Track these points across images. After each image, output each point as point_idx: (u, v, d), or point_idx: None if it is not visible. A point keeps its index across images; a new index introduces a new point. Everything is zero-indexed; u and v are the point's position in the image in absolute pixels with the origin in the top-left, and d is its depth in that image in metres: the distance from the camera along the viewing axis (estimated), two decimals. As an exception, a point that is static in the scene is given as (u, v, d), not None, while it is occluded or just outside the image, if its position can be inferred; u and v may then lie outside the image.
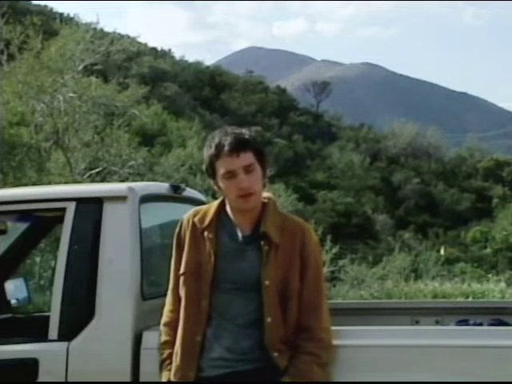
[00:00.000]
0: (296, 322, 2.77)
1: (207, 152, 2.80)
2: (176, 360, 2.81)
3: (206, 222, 2.85)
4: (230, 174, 2.74)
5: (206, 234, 2.84)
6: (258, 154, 2.79)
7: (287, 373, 2.72)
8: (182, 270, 2.85)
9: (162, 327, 2.92)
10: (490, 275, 22.35)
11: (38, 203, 3.43)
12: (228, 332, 2.76)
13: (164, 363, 2.86)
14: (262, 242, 2.78)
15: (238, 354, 2.74)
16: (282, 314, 2.75)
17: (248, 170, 2.75)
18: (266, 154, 2.89)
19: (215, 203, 2.91)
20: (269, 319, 2.73)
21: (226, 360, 2.74)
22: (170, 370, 2.83)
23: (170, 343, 2.86)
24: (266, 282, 2.74)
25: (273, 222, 2.82)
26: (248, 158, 2.75)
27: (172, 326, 2.87)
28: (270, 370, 2.72)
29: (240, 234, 2.83)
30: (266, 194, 2.92)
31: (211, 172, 2.81)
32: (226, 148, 2.73)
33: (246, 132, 2.82)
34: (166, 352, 2.86)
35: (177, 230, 2.93)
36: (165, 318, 2.92)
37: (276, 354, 2.72)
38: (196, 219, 2.88)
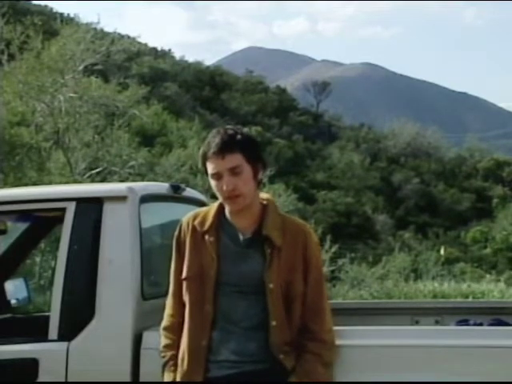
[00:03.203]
0: (300, 323, 2.77)
1: (200, 151, 2.81)
2: (183, 365, 2.79)
3: (207, 225, 2.84)
4: (217, 176, 2.74)
5: (207, 237, 2.82)
6: (247, 155, 2.75)
7: (294, 373, 2.72)
8: (184, 275, 2.84)
9: (162, 331, 2.91)
10: (488, 275, 22.31)
11: (38, 203, 3.43)
12: (234, 335, 2.75)
13: (167, 365, 2.85)
14: (265, 246, 2.77)
15: (244, 356, 2.74)
16: (287, 317, 2.75)
17: (234, 172, 2.72)
18: (258, 153, 2.82)
19: (214, 205, 2.90)
20: (274, 322, 2.72)
21: (233, 362, 2.74)
22: (173, 371, 2.82)
23: (172, 346, 2.85)
24: (271, 285, 2.73)
25: (274, 224, 2.80)
26: (234, 159, 2.72)
27: (172, 329, 2.87)
28: (277, 371, 2.73)
29: (241, 237, 2.81)
30: (265, 196, 2.91)
31: (204, 171, 2.81)
32: (211, 150, 2.73)
33: (238, 131, 2.78)
34: (169, 354, 2.85)
35: (176, 233, 2.91)
36: (165, 322, 2.91)
37: (282, 356, 2.73)
38: (196, 223, 2.86)
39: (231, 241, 2.82)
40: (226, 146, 2.71)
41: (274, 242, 2.76)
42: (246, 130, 2.87)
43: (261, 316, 2.74)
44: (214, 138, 2.75)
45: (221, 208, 2.86)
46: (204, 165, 2.79)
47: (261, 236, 2.78)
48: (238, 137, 2.75)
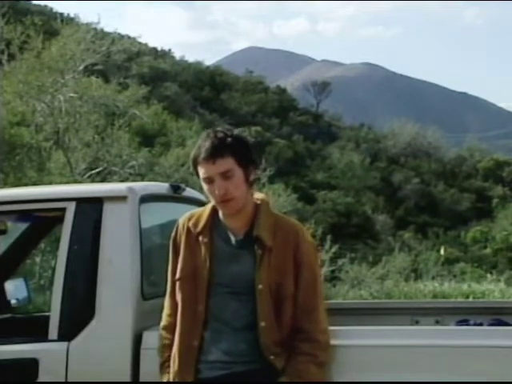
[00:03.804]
0: (291, 324, 2.76)
1: (191, 155, 2.80)
2: (174, 366, 2.81)
3: (200, 226, 2.85)
4: (208, 180, 2.74)
5: (200, 238, 2.84)
6: (238, 158, 2.74)
7: (285, 373, 2.72)
8: (177, 276, 2.86)
9: (160, 331, 2.93)
10: (488, 275, 22.31)
11: (38, 203, 3.43)
12: (225, 335, 2.76)
13: (164, 366, 2.87)
14: (256, 246, 2.77)
15: (235, 356, 2.74)
16: (276, 318, 2.75)
17: (226, 176, 2.72)
18: (249, 155, 2.80)
19: (208, 206, 2.91)
20: (263, 323, 2.73)
21: (224, 362, 2.75)
22: (169, 372, 2.84)
23: (169, 346, 2.87)
24: (260, 286, 2.73)
25: (265, 224, 2.80)
26: (225, 164, 2.72)
27: (170, 329, 2.88)
28: (267, 371, 2.73)
29: (233, 238, 2.82)
30: (259, 195, 2.91)
31: (196, 173, 2.82)
32: (202, 155, 2.73)
33: (228, 134, 2.76)
34: (166, 355, 2.88)
35: (172, 234, 2.93)
36: (163, 322, 2.93)
37: (272, 357, 2.73)
38: (190, 224, 2.88)
39: (224, 242, 2.83)
40: (217, 151, 2.71)
41: (265, 243, 2.77)
42: (238, 130, 2.84)
43: (251, 316, 2.74)
44: (204, 142, 2.74)
45: (215, 209, 2.87)
46: (195, 168, 2.79)
47: (252, 237, 2.79)
48: (229, 140, 2.74)
